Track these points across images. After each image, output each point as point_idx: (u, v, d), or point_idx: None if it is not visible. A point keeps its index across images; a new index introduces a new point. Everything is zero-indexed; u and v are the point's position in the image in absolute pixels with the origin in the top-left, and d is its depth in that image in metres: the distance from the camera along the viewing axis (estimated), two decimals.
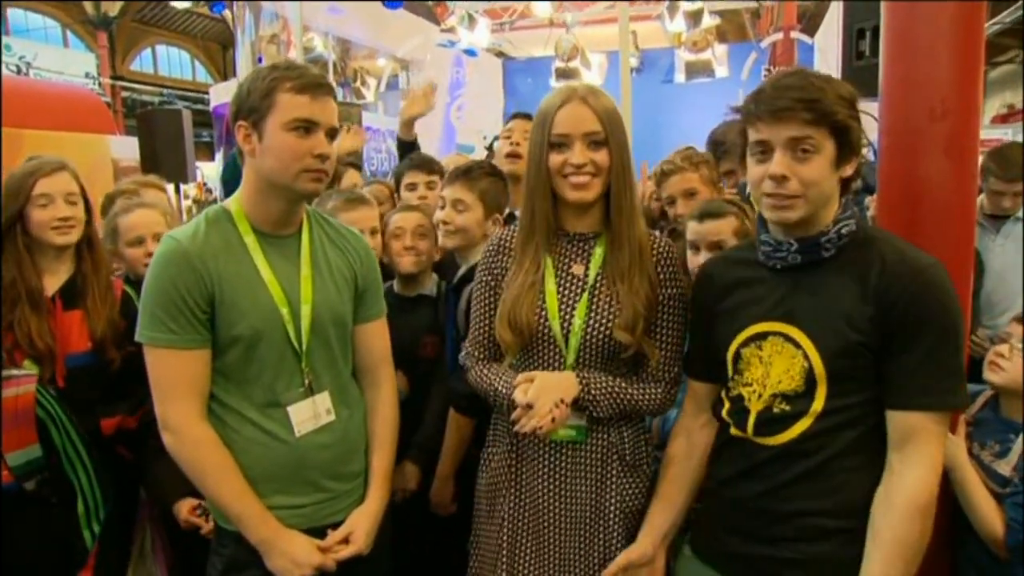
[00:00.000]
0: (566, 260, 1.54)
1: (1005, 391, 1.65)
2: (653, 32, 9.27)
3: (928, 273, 1.25)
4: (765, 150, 1.28)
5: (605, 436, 1.54)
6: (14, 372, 1.49)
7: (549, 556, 1.54)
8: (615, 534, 1.52)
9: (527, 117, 2.68)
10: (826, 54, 5.93)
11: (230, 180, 3.24)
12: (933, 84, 1.51)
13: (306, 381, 1.48)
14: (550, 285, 1.52)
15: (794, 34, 6.72)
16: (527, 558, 1.55)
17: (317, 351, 1.50)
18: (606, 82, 8.59)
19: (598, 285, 1.51)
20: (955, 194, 1.54)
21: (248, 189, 1.49)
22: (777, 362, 1.33)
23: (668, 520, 1.49)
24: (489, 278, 1.62)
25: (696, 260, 1.88)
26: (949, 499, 1.60)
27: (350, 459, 1.56)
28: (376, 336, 1.65)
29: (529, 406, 1.40)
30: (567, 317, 1.50)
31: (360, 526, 1.51)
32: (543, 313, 1.50)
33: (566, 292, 1.52)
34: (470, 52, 9.12)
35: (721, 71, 8.45)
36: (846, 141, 1.26)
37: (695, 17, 7.45)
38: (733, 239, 1.79)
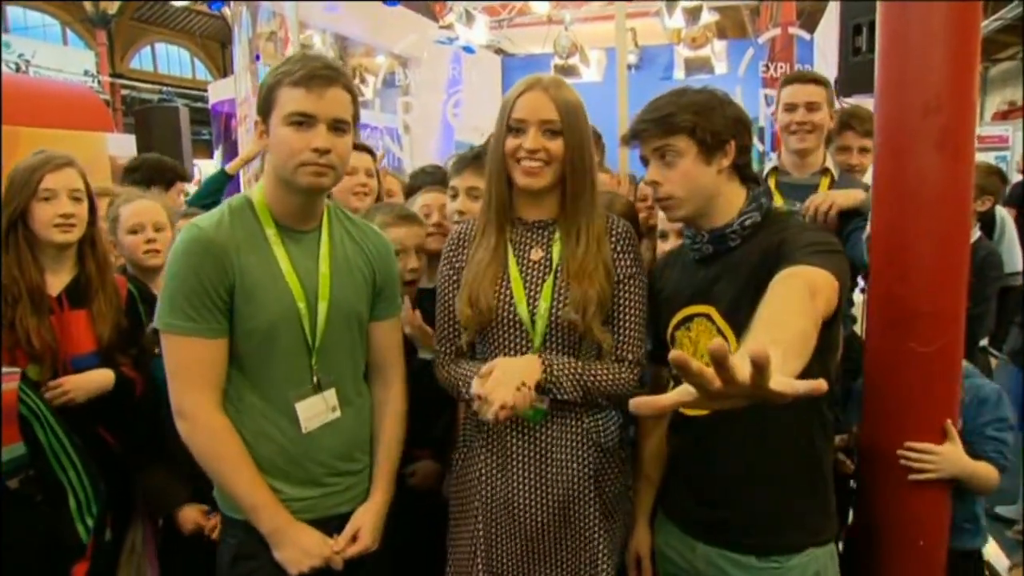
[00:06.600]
0: (525, 247, 1.55)
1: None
2: (652, 29, 9.23)
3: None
4: (647, 163, 1.48)
5: (578, 423, 1.54)
6: None
7: (527, 547, 1.54)
8: (593, 517, 1.53)
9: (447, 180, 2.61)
10: (824, 50, 5.91)
11: (205, 195, 3.17)
12: (927, 79, 1.50)
13: (315, 378, 1.49)
14: (513, 271, 1.52)
15: (792, 30, 6.68)
16: (504, 552, 1.55)
17: (329, 348, 1.50)
18: (605, 78, 8.57)
19: (560, 270, 1.51)
20: (949, 189, 1.53)
21: (268, 183, 1.50)
22: (703, 339, 1.45)
23: (652, 497, 1.66)
24: (451, 272, 1.61)
25: (664, 248, 1.91)
26: (943, 507, 1.60)
27: (352, 456, 1.56)
28: (389, 334, 1.65)
29: (478, 396, 1.37)
30: (533, 301, 1.51)
31: (366, 524, 1.54)
32: (509, 298, 1.51)
33: (529, 277, 1.53)
34: (468, 49, 9.09)
35: (720, 68, 8.41)
36: (705, 140, 1.40)
37: (694, 14, 7.42)
38: None
